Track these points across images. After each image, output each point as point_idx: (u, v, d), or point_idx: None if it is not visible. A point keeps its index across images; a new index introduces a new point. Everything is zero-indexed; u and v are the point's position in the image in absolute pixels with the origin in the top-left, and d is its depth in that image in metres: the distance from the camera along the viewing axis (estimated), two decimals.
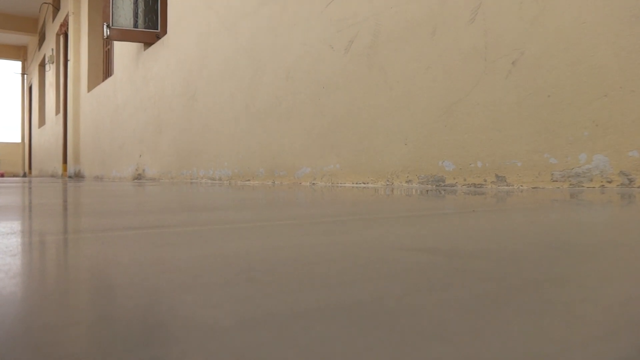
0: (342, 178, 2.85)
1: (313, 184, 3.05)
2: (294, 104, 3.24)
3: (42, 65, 13.54)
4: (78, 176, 8.90)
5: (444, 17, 2.26)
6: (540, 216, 0.92)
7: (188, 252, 0.53)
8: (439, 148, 2.29)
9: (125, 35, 5.73)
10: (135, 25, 5.76)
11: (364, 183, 2.70)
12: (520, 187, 1.97)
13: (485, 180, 2.10)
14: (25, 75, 16.66)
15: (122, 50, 6.63)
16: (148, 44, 5.76)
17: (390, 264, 0.46)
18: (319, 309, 0.31)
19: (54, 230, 0.76)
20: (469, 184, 2.16)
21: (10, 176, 16.00)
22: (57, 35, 10.84)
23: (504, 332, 0.26)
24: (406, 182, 2.45)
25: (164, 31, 5.50)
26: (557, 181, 1.86)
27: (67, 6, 9.46)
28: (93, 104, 8.10)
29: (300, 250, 0.55)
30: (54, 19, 11.25)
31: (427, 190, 2.04)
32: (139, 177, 5.95)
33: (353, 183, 2.77)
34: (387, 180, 2.56)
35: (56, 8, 11.01)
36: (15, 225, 0.82)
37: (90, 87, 8.45)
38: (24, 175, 16.14)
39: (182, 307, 0.31)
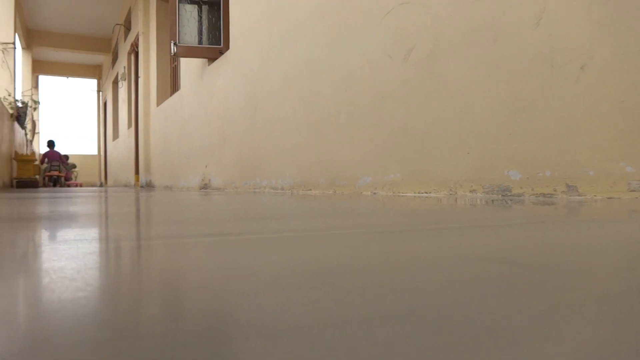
0: (403, 187, 2.84)
1: (374, 193, 3.05)
2: (353, 113, 3.27)
3: (115, 83, 14.44)
4: (149, 186, 9.37)
5: (506, 23, 2.21)
6: (616, 228, 0.88)
7: (263, 259, 0.56)
8: (504, 157, 2.23)
9: (191, 52, 6.01)
10: (200, 42, 6.03)
11: (426, 192, 2.68)
12: (594, 197, 1.88)
13: (555, 190, 2.02)
14: (100, 92, 17.83)
15: (188, 66, 6.96)
16: (212, 59, 6.01)
17: (460, 272, 0.47)
18: (394, 312, 0.33)
19: (147, 236, 0.82)
20: (537, 194, 2.09)
21: (88, 186, 17.11)
22: (129, 54, 11.54)
23: (576, 340, 0.27)
24: (470, 191, 2.41)
25: (227, 47, 5.72)
26: (634, 191, 1.76)
27: (137, 26, 10.06)
28: (162, 118, 8.53)
29: (369, 258, 0.57)
30: (125, 39, 11.99)
31: (492, 200, 2.00)
32: (205, 186, 6.19)
33: (415, 193, 2.75)
34: (450, 190, 2.52)
35: (127, 28, 11.73)
36: (95, 232, 0.90)
37: (159, 102, 8.91)
38: (100, 185, 17.21)
39: (267, 308, 0.34)
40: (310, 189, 3.79)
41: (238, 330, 0.29)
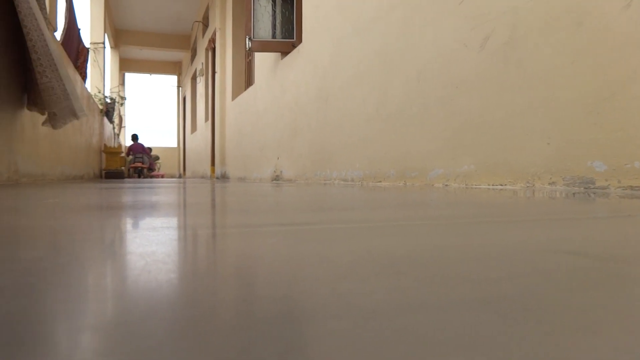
0: (477, 179, 2.76)
1: (446, 185, 2.99)
2: (426, 104, 3.22)
3: (193, 78, 15.09)
4: (224, 177, 9.76)
5: (592, 6, 2.07)
6: None
7: (336, 248, 0.58)
8: (588, 147, 2.11)
9: (265, 46, 6.16)
10: (274, 36, 6.15)
11: (501, 185, 2.59)
12: None
13: None
14: (180, 88, 18.74)
15: (262, 61, 7.13)
16: (285, 53, 6.12)
17: (536, 264, 0.47)
18: (466, 301, 0.33)
19: (224, 225, 0.87)
20: (624, 187, 1.95)
21: (168, 177, 18.10)
22: (206, 50, 12.01)
23: None
24: (549, 184, 2.29)
25: (299, 40, 5.80)
26: None
27: (214, 23, 10.44)
28: (236, 112, 8.82)
29: (441, 249, 0.57)
30: (203, 36, 12.49)
31: (573, 193, 1.89)
32: (276, 178, 6.35)
33: (489, 185, 2.67)
34: (527, 182, 2.42)
35: (205, 25, 12.21)
36: (178, 221, 0.96)
37: (234, 96, 9.22)
38: (179, 177, 18.17)
39: (342, 293, 0.36)
40: (380, 181, 3.78)
41: (315, 313, 0.31)
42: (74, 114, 4.31)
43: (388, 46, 3.67)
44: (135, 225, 0.86)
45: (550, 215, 1.00)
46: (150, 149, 15.44)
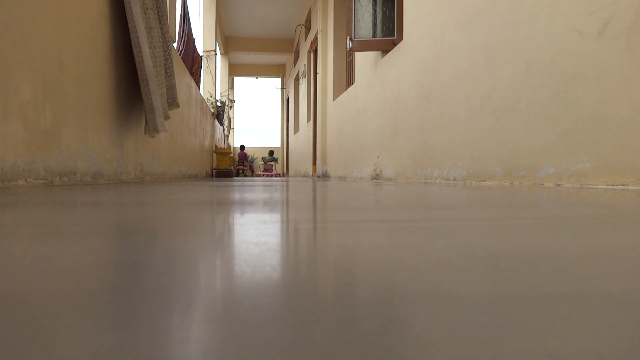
0: (594, 179, 2.56)
1: (558, 185, 2.81)
2: (535, 99, 3.04)
3: (296, 80, 15.60)
4: (325, 176, 9.97)
5: None
6: None
7: (434, 243, 0.60)
8: None
9: (365, 46, 6.20)
10: (374, 35, 6.17)
11: (622, 185, 2.38)
12: None
13: None
14: (283, 89, 19.46)
15: (362, 60, 7.19)
16: (385, 51, 6.12)
17: None
18: (562, 294, 0.34)
19: (327, 219, 0.92)
20: None
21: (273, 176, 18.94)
22: (309, 52, 12.35)
23: None
24: None
25: (400, 37, 5.76)
26: None
27: (316, 25, 10.70)
28: (337, 111, 8.97)
29: (542, 247, 0.56)
30: (305, 38, 12.86)
31: None
32: (376, 177, 6.37)
33: (608, 184, 2.47)
34: None
35: (307, 28, 12.56)
36: (286, 215, 1.03)
37: (335, 96, 9.38)
38: (282, 175, 18.90)
39: (439, 282, 0.38)
40: (485, 180, 3.64)
41: (411, 297, 0.34)
42: (156, 129, 4.62)
43: (494, 39, 3.52)
44: (248, 219, 0.95)
45: None
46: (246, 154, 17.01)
